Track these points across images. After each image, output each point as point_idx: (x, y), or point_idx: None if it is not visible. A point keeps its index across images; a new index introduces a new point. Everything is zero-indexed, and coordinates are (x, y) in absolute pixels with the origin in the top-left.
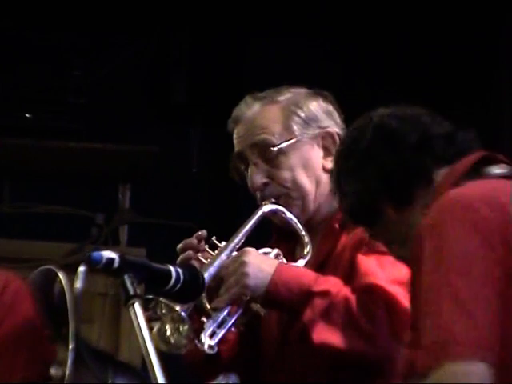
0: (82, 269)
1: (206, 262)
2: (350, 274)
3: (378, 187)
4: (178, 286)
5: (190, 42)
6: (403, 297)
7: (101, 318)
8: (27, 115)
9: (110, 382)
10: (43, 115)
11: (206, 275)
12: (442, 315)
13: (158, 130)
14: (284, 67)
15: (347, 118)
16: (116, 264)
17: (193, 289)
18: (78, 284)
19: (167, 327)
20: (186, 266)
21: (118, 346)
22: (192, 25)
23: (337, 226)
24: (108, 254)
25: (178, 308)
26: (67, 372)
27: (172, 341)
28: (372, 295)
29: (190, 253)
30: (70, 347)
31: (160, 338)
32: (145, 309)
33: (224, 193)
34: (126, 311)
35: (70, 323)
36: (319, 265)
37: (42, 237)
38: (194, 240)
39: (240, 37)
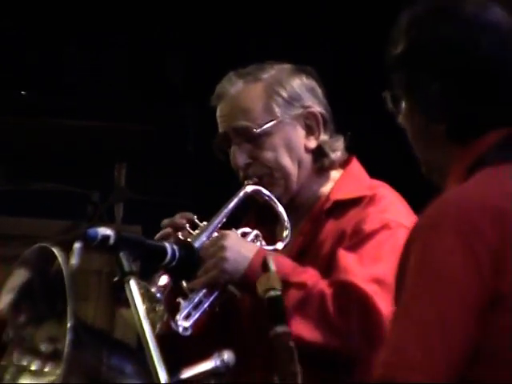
0: (77, 245)
1: None
2: (328, 266)
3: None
4: (174, 262)
5: (187, 21)
6: (379, 296)
7: (96, 295)
8: (22, 92)
9: (105, 360)
10: (39, 93)
11: None
12: (402, 336)
13: (154, 108)
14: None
15: (347, 118)
16: (111, 241)
17: (188, 266)
18: (74, 261)
19: (144, 306)
20: (182, 242)
21: (113, 323)
22: (190, 5)
23: (322, 215)
24: (104, 230)
25: (153, 289)
26: (65, 350)
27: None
28: (348, 293)
29: (168, 230)
30: (69, 325)
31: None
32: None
33: (219, 171)
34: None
35: (68, 301)
36: (300, 251)
37: (38, 214)
38: (181, 220)
39: (239, 19)
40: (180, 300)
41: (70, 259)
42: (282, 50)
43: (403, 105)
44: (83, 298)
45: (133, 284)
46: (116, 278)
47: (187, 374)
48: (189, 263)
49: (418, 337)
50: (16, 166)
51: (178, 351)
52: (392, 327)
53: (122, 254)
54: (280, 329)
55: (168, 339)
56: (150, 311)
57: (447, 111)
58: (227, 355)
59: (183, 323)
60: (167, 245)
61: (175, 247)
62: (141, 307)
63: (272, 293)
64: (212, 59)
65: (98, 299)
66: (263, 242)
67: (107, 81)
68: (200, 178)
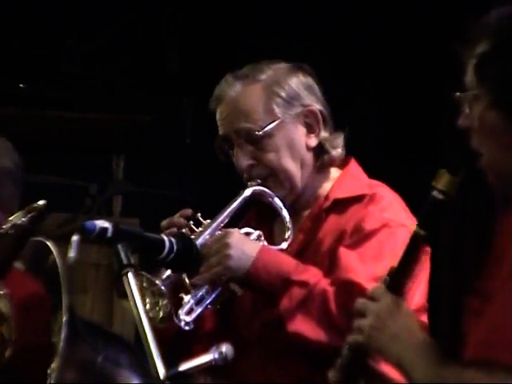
0: (75, 238)
1: None
2: (328, 264)
3: None
4: (172, 255)
5: (183, 11)
6: None
7: (94, 287)
8: (21, 85)
9: (100, 353)
10: (37, 85)
11: None
12: (510, 317)
13: (151, 99)
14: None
15: (346, 118)
16: (109, 233)
17: (186, 259)
18: (72, 253)
19: (147, 301)
20: (180, 235)
21: (111, 315)
22: None
23: (322, 213)
24: (101, 223)
25: (158, 282)
26: (60, 344)
27: (150, 315)
28: (350, 291)
29: (174, 230)
30: (64, 319)
31: None
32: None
33: (217, 163)
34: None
35: (63, 296)
36: (300, 249)
37: None
38: (179, 219)
39: (237, 12)
40: (183, 295)
41: (68, 252)
42: (280, 44)
43: (479, 104)
44: (81, 290)
45: (131, 277)
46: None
47: (185, 366)
48: (187, 256)
49: None
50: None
51: (175, 344)
52: (495, 301)
53: (120, 247)
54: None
55: (166, 333)
56: (152, 306)
57: None
58: (225, 348)
59: (185, 318)
60: (165, 238)
61: (173, 240)
62: (139, 300)
63: (438, 196)
64: (210, 52)
65: (96, 292)
66: (265, 242)
67: (105, 73)
68: (198, 171)
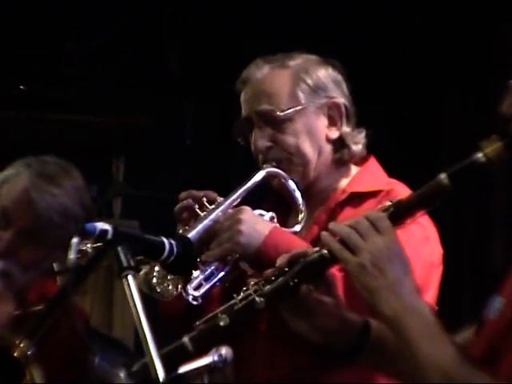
0: (75, 240)
1: (201, 214)
2: None
3: None
4: (172, 258)
5: (183, 12)
6: None
7: (94, 289)
8: (21, 86)
9: (97, 355)
10: (37, 86)
11: (201, 227)
12: None
13: (151, 102)
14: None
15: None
16: (109, 235)
17: (185, 261)
18: (72, 255)
19: (155, 273)
20: (180, 237)
21: (110, 317)
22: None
23: (337, 206)
24: (101, 225)
25: None
26: None
27: (158, 289)
28: None
29: (189, 201)
30: None
31: (145, 282)
32: None
33: (218, 166)
34: (119, 283)
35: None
36: (314, 241)
37: None
38: (199, 193)
39: (237, 13)
40: (192, 270)
41: (68, 254)
42: (280, 45)
43: None
44: (81, 292)
45: (131, 279)
46: None
47: (185, 368)
48: (187, 259)
49: None
50: (13, 160)
51: (182, 323)
52: None
53: (120, 249)
54: None
55: (173, 310)
56: (161, 279)
57: None
58: (225, 351)
59: (193, 293)
60: (165, 240)
61: (173, 243)
62: (139, 302)
63: (481, 158)
64: (211, 53)
65: (96, 293)
66: (277, 225)
67: (105, 75)
68: (199, 173)
